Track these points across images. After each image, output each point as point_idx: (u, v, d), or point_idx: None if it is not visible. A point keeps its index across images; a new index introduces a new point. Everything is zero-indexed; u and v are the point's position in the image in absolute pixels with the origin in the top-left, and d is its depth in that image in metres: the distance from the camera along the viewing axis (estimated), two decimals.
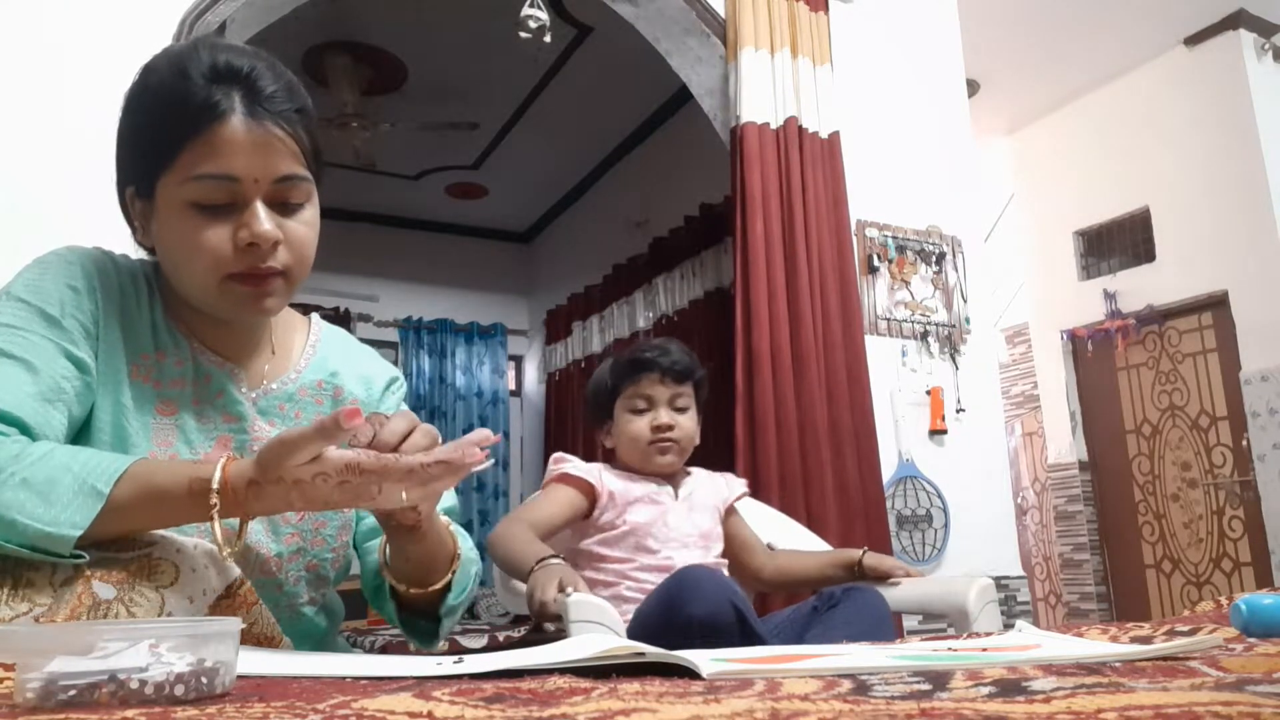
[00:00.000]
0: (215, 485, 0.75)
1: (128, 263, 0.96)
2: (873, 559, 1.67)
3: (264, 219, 0.85)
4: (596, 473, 1.62)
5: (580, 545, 1.61)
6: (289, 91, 0.88)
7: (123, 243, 0.98)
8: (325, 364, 1.04)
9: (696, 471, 1.74)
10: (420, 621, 1.03)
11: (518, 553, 1.44)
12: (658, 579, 1.51)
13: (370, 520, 1.03)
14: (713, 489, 1.71)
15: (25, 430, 0.80)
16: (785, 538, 1.97)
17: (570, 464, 1.63)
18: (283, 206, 0.88)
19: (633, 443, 1.63)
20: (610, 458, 1.71)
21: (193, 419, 0.93)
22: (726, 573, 1.61)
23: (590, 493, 1.60)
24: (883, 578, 1.64)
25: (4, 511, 0.72)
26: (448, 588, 0.98)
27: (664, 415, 1.61)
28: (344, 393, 1.04)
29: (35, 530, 0.72)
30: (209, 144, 0.83)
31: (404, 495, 0.78)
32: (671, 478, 1.68)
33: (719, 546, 1.67)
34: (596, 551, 1.58)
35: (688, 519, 1.62)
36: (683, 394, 1.64)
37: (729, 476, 1.80)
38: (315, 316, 1.10)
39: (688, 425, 1.64)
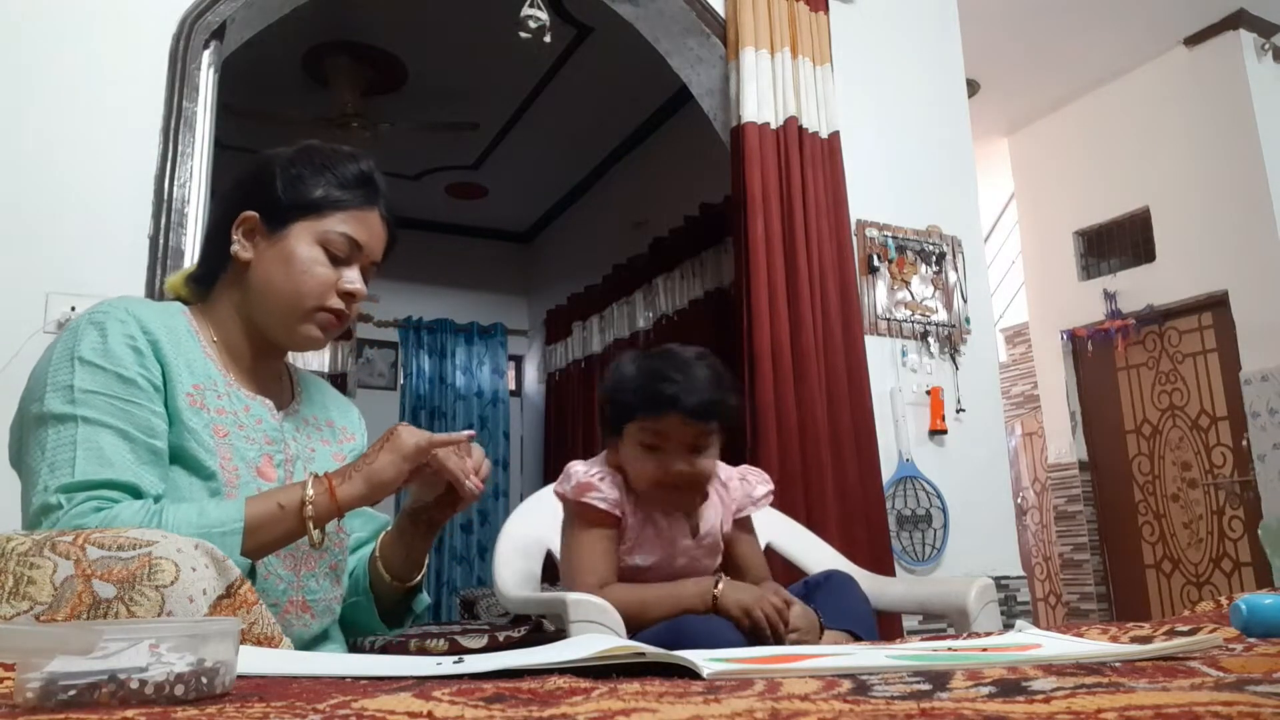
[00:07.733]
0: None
1: (164, 305, 1.10)
2: (728, 595, 1.35)
3: (361, 281, 1.12)
4: (618, 499, 1.43)
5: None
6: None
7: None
8: (306, 386, 1.26)
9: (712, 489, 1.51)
10: (388, 611, 1.23)
11: (653, 599, 1.37)
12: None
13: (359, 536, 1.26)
14: (719, 505, 1.51)
15: (138, 494, 0.96)
16: (788, 540, 1.97)
17: (594, 494, 1.42)
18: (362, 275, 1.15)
19: (638, 478, 1.43)
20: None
21: (241, 441, 1.08)
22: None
23: (617, 524, 1.43)
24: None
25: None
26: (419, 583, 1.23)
27: (678, 462, 1.39)
28: (335, 424, 1.26)
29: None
30: (359, 218, 1.11)
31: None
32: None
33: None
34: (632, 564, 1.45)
35: (698, 560, 1.46)
36: (706, 432, 1.41)
37: (749, 476, 1.57)
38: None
39: (705, 467, 1.42)
